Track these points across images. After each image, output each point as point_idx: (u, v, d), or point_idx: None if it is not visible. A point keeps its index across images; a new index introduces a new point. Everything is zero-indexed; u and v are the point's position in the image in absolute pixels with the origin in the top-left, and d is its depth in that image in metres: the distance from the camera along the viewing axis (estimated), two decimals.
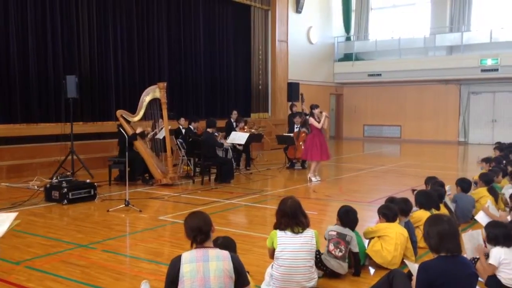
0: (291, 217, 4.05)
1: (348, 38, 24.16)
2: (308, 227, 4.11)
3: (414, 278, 3.46)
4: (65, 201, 7.78)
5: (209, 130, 10.29)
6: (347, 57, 23.57)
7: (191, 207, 7.59)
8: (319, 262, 4.40)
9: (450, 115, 21.42)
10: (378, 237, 4.90)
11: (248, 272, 3.52)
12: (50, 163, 10.87)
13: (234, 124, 12.89)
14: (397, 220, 5.02)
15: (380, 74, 22.05)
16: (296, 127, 12.57)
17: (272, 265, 4.11)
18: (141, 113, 9.81)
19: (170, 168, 9.88)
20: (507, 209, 6.53)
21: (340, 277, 4.52)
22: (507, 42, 19.38)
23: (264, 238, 4.62)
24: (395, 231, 4.83)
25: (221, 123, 13.13)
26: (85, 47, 13.24)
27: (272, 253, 4.09)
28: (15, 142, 11.37)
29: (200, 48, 16.87)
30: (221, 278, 3.11)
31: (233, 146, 11.59)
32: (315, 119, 10.32)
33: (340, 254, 4.49)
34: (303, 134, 11.99)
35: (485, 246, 4.43)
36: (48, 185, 8.12)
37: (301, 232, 4.04)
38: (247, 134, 11.37)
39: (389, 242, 4.77)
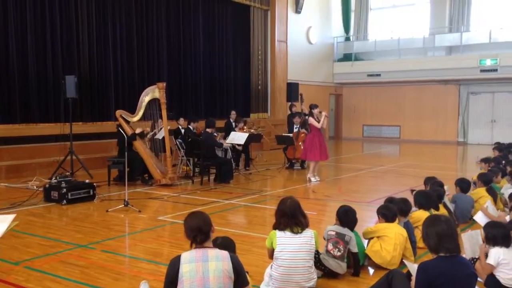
0: (291, 217, 4.05)
1: (347, 38, 24.17)
2: (307, 227, 4.11)
3: (413, 278, 3.46)
4: (64, 201, 7.78)
5: (208, 130, 10.28)
6: (347, 57, 23.57)
7: (191, 207, 7.59)
8: (317, 262, 4.40)
9: (449, 116, 21.44)
10: (377, 237, 4.90)
11: (247, 272, 3.52)
12: (49, 163, 10.87)
13: (234, 124, 12.89)
14: (396, 220, 5.02)
15: (380, 74, 22.06)
16: (296, 127, 12.57)
17: (271, 265, 4.11)
18: (140, 113, 9.81)
19: (169, 168, 9.88)
20: (506, 209, 6.54)
21: (339, 277, 4.52)
22: (506, 42, 19.39)
23: (264, 238, 4.62)
24: (394, 231, 4.84)
25: (220, 123, 13.14)
26: (84, 47, 13.23)
27: (271, 253, 4.09)
28: (14, 142, 11.36)
29: (200, 48, 16.87)
30: (221, 278, 3.12)
31: (233, 146, 11.59)
32: (315, 119, 10.32)
33: (338, 254, 4.49)
34: (303, 134, 11.99)
35: (485, 247, 4.43)
36: (47, 185, 8.11)
37: (300, 232, 4.04)
38: (246, 134, 11.37)
39: (388, 242, 4.78)
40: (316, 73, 22.18)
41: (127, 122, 9.88)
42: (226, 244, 3.81)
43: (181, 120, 12.19)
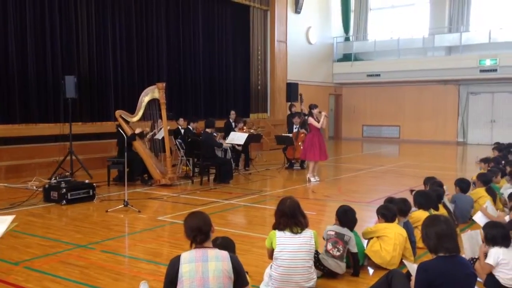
0: (290, 217, 4.05)
1: (347, 39, 24.17)
2: (307, 227, 4.11)
3: (413, 278, 3.46)
4: (64, 201, 7.77)
5: (208, 130, 10.28)
6: (346, 58, 23.58)
7: (190, 207, 7.59)
8: (317, 261, 4.40)
9: (449, 116, 21.44)
10: (377, 237, 4.91)
11: (247, 273, 3.52)
12: (49, 163, 10.86)
13: (233, 124, 12.90)
14: (396, 221, 5.03)
15: (379, 75, 22.07)
16: (295, 128, 12.57)
17: (271, 265, 4.11)
18: (140, 113, 9.81)
19: (169, 169, 9.88)
20: (506, 209, 6.54)
21: (338, 277, 4.52)
22: (506, 42, 19.39)
23: (263, 238, 4.62)
24: (394, 231, 4.84)
25: (220, 123, 13.14)
26: (84, 47, 13.23)
27: (271, 253, 4.09)
28: (13, 142, 11.36)
29: (199, 48, 16.87)
30: (220, 278, 3.12)
31: (232, 147, 11.59)
32: (314, 119, 10.32)
33: (338, 253, 4.49)
34: (302, 135, 11.99)
35: (484, 247, 4.43)
36: (47, 186, 8.11)
37: (300, 233, 4.04)
38: (246, 135, 11.37)
39: (388, 243, 4.78)
40: (315, 73, 22.18)
41: (127, 122, 9.88)
42: (225, 244, 3.82)
43: (181, 120, 12.19)
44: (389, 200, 5.50)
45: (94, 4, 13.47)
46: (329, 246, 4.54)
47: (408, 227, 5.09)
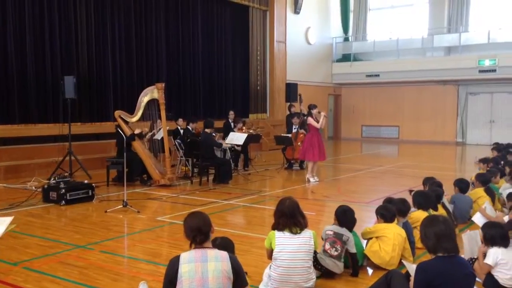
0: (289, 218, 4.05)
1: (346, 39, 24.18)
2: (306, 227, 4.11)
3: (412, 278, 3.46)
4: (63, 202, 7.77)
5: (207, 130, 10.28)
6: (345, 58, 23.58)
7: (189, 207, 7.58)
8: (315, 261, 4.40)
9: (448, 116, 21.45)
10: (376, 237, 4.91)
11: (246, 273, 3.52)
12: (48, 163, 10.86)
13: (232, 124, 12.90)
14: (395, 221, 5.03)
15: (378, 75, 22.08)
16: (294, 128, 12.58)
17: (270, 265, 4.11)
18: (139, 113, 9.81)
19: (168, 169, 9.88)
20: (505, 210, 6.54)
21: (337, 277, 4.53)
22: (505, 43, 19.41)
23: (262, 238, 4.62)
24: (393, 231, 4.84)
25: (219, 124, 13.13)
26: (83, 47, 13.22)
27: (270, 253, 4.10)
28: (13, 142, 11.34)
29: (199, 49, 16.86)
30: (220, 278, 3.12)
31: (232, 147, 11.59)
32: (314, 119, 10.33)
33: (335, 253, 4.50)
34: (301, 135, 11.99)
35: (483, 247, 4.44)
36: (46, 186, 8.11)
37: (299, 233, 4.04)
38: (245, 135, 11.38)
39: (387, 243, 4.78)
40: (315, 74, 22.19)
41: (126, 122, 9.88)
42: (225, 244, 3.82)
43: (180, 121, 12.18)
44: (388, 201, 5.50)
45: (93, 4, 13.45)
46: (327, 246, 4.54)
47: (407, 228, 5.09)
